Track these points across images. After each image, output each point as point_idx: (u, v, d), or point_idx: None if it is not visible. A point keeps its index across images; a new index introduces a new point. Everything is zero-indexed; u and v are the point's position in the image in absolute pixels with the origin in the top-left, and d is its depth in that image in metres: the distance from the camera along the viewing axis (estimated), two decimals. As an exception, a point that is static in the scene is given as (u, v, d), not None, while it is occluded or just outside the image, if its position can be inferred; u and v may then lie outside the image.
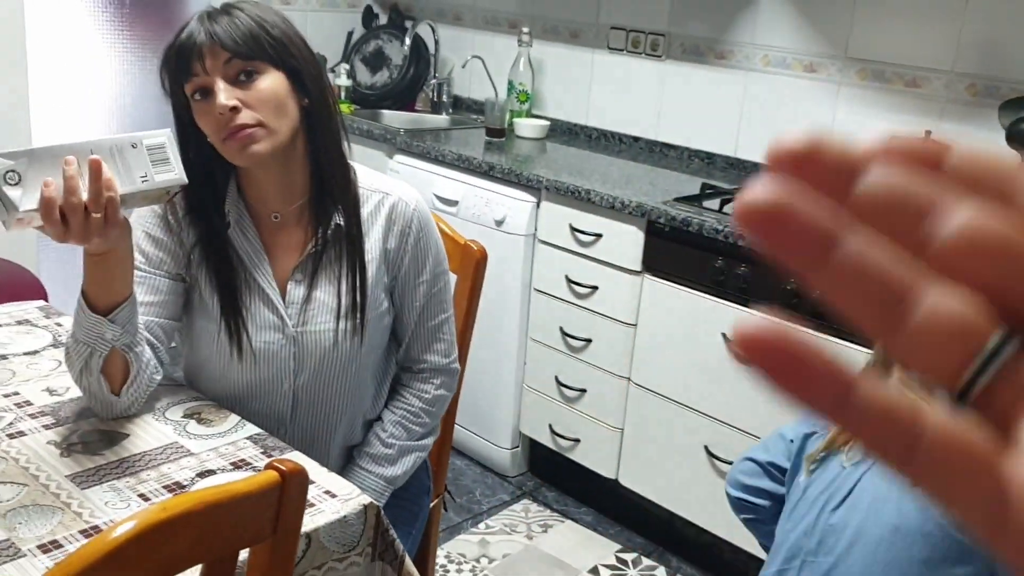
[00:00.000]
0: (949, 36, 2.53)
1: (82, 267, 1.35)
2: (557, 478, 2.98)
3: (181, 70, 1.38)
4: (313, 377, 1.54)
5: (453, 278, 1.88)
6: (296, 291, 1.52)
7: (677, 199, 2.54)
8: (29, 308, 1.89)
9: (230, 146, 1.40)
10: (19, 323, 1.81)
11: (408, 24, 3.71)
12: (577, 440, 2.79)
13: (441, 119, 3.70)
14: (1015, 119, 2.33)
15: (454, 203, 2.94)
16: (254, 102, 1.39)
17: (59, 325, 1.81)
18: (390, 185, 1.57)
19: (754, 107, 2.96)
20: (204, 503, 0.92)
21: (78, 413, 1.48)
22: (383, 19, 4.01)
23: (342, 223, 1.49)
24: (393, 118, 3.67)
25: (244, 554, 1.06)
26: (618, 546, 2.67)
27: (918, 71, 2.60)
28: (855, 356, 2.16)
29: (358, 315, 1.51)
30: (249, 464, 1.37)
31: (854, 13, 2.69)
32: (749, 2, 2.91)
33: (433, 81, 3.77)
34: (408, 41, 3.59)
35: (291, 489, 1.01)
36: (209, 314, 1.51)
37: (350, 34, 3.94)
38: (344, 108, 3.59)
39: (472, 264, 1.85)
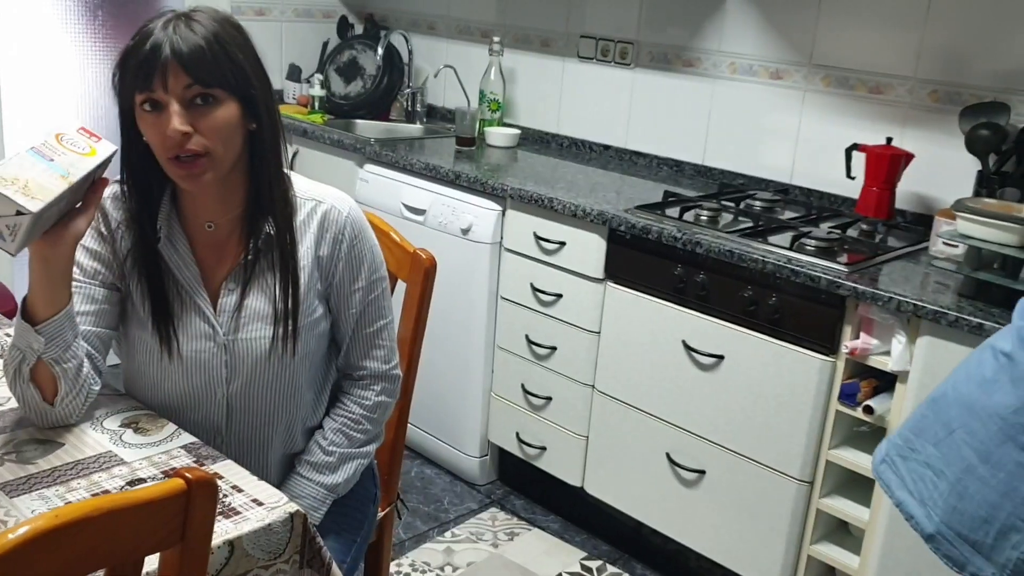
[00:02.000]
0: (911, 43, 2.53)
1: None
2: (526, 486, 2.97)
3: (139, 81, 1.38)
4: (246, 385, 1.54)
5: (402, 286, 1.89)
6: (228, 299, 1.52)
7: (639, 207, 2.54)
8: (-21, 318, 1.89)
9: (176, 171, 1.41)
10: (-31, 334, 1.82)
11: (382, 34, 3.72)
12: (543, 448, 2.79)
13: (414, 128, 3.70)
14: (974, 124, 2.33)
15: (421, 212, 2.95)
16: (206, 130, 1.39)
17: (8, 336, 1.81)
18: (323, 192, 1.58)
19: (721, 114, 2.96)
20: (100, 510, 0.92)
21: (16, 422, 1.48)
22: (358, 29, 4.02)
23: (273, 232, 1.50)
24: (367, 128, 3.68)
25: (156, 560, 1.06)
26: (584, 553, 2.67)
27: (881, 78, 2.61)
28: (811, 363, 2.17)
29: (290, 322, 1.51)
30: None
31: (818, 20, 2.70)
32: (716, 10, 2.92)
33: (407, 91, 3.77)
34: (381, 51, 3.60)
35: (198, 496, 1.00)
36: (142, 323, 1.51)
37: (325, 44, 3.95)
38: (317, 119, 3.60)
39: (421, 272, 1.85)
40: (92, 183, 1.38)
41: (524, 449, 2.84)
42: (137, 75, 1.37)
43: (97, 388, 1.50)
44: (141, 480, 1.34)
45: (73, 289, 1.43)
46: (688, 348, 2.37)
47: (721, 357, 2.32)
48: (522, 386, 2.81)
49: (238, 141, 1.44)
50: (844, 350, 2.12)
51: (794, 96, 2.79)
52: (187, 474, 1.00)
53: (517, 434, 2.85)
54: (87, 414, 1.50)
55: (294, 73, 3.87)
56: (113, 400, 1.57)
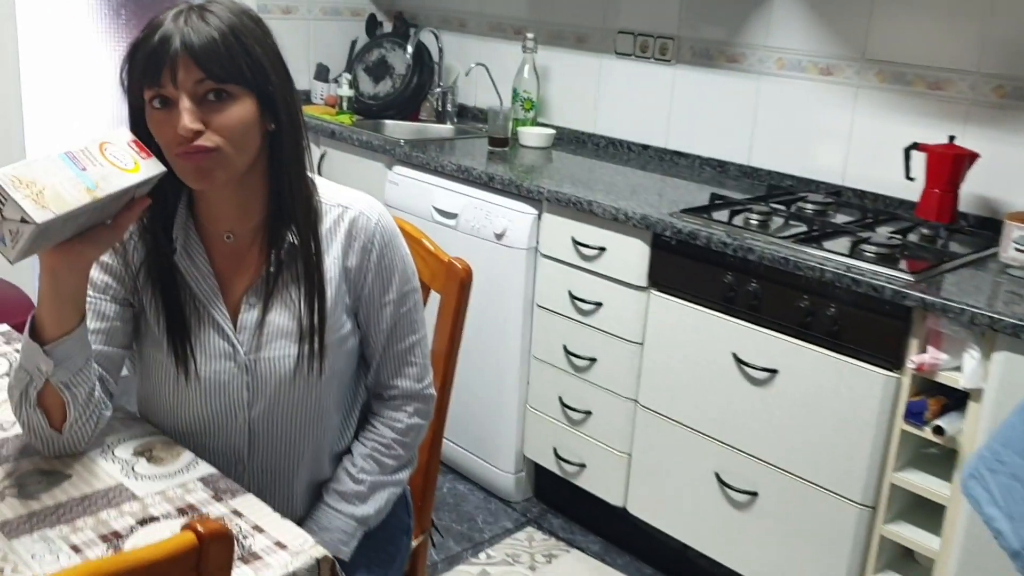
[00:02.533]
0: (974, 34, 2.37)
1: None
2: (564, 504, 2.84)
3: (147, 76, 1.26)
4: (269, 408, 1.42)
5: (436, 298, 1.76)
6: (249, 316, 1.39)
7: (684, 210, 2.40)
8: (-13, 333, 1.78)
9: (183, 165, 1.29)
10: (-24, 350, 1.70)
11: (412, 32, 3.59)
12: (583, 465, 2.65)
13: (445, 129, 3.58)
14: (1046, 122, 2.18)
15: (453, 215, 2.82)
16: (219, 128, 1.27)
17: (19, 352, 1.70)
18: (351, 198, 1.45)
19: (768, 112, 2.81)
20: (104, 574, 0.80)
21: (20, 451, 1.37)
22: (387, 27, 3.90)
23: (296, 241, 1.37)
24: (395, 128, 3.56)
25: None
26: (626, 577, 2.53)
27: (941, 72, 2.45)
28: (874, 379, 2.02)
29: (317, 339, 1.39)
30: (196, 510, 1.24)
31: (872, 12, 2.55)
32: (762, 3, 2.77)
33: (437, 90, 3.65)
34: (411, 49, 3.48)
35: (212, 551, 0.88)
36: (156, 341, 1.39)
37: (353, 43, 3.83)
38: (345, 119, 3.48)
39: (456, 283, 1.72)
40: (129, 202, 1.27)
41: (562, 466, 2.71)
42: (145, 69, 1.26)
43: (108, 413, 1.38)
44: (153, 519, 1.22)
45: None
46: (739, 361, 2.23)
47: (775, 371, 2.17)
48: (560, 399, 2.67)
49: (254, 141, 1.32)
50: (910, 365, 1.97)
51: (846, 93, 2.64)
52: (199, 527, 0.87)
53: (555, 450, 2.72)
54: (97, 440, 1.38)
55: (322, 73, 3.75)
56: (126, 424, 1.45)
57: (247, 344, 1.39)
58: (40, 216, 1.12)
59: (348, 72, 3.71)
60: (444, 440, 1.82)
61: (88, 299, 1.36)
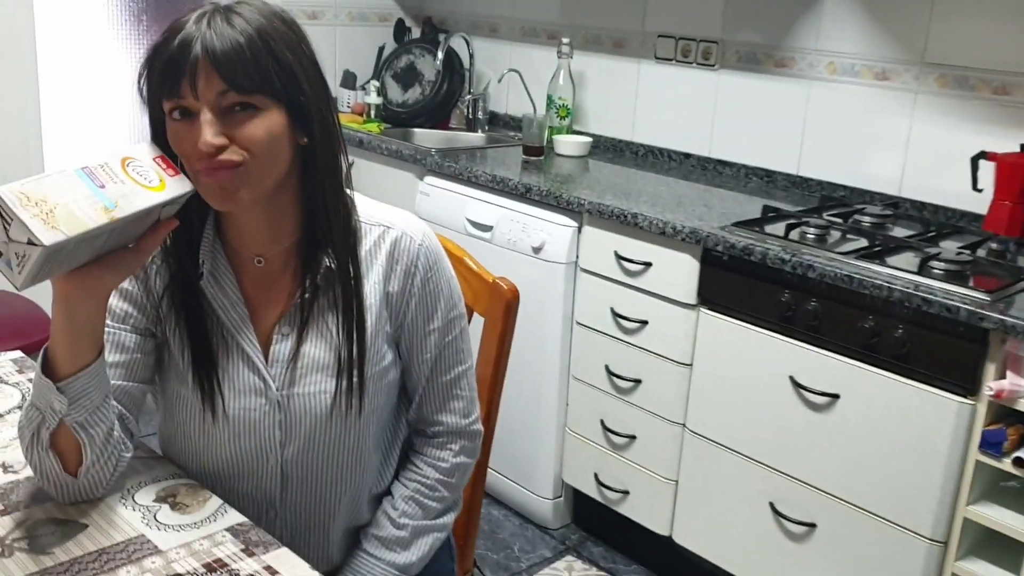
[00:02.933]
0: (1043, 36, 2.23)
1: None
2: (604, 532, 2.70)
3: (165, 85, 1.14)
4: (304, 449, 1.29)
5: (480, 321, 1.63)
6: (282, 347, 1.27)
7: (736, 223, 2.26)
8: (2, 360, 1.67)
9: (206, 183, 1.16)
10: (-12, 378, 1.59)
11: (441, 38, 3.47)
12: (626, 492, 2.52)
13: (476, 137, 3.45)
14: None
15: (488, 228, 2.70)
16: (244, 142, 1.14)
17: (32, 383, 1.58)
18: (393, 217, 1.33)
19: (819, 120, 2.67)
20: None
21: (32, 496, 1.25)
22: (416, 33, 3.78)
23: (333, 265, 1.25)
24: (425, 137, 3.44)
25: None
26: (673, 611, 2.39)
27: (1007, 76, 2.30)
28: (946, 406, 1.88)
29: (356, 373, 1.26)
30: (226, 566, 1.12)
31: (932, 13, 2.41)
32: (812, 4, 2.64)
33: (468, 97, 3.53)
34: (441, 55, 3.36)
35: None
36: (180, 376, 1.27)
37: (381, 49, 3.72)
38: (374, 127, 3.36)
39: (502, 305, 1.60)
40: (154, 224, 1.15)
41: (604, 492, 2.57)
42: (164, 78, 1.13)
43: (129, 455, 1.26)
44: (178, 576, 1.10)
45: None
46: (797, 385, 2.09)
47: (836, 396, 2.03)
48: (601, 422, 2.54)
49: (284, 156, 1.19)
50: (987, 392, 1.82)
51: (903, 99, 2.49)
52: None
53: (595, 475, 2.58)
54: (116, 484, 1.26)
55: (349, 80, 3.64)
56: (148, 465, 1.33)
57: (280, 379, 1.27)
58: (49, 238, 1.00)
59: (376, 79, 3.59)
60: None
61: (106, 329, 1.24)
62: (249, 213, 1.23)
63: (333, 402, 1.27)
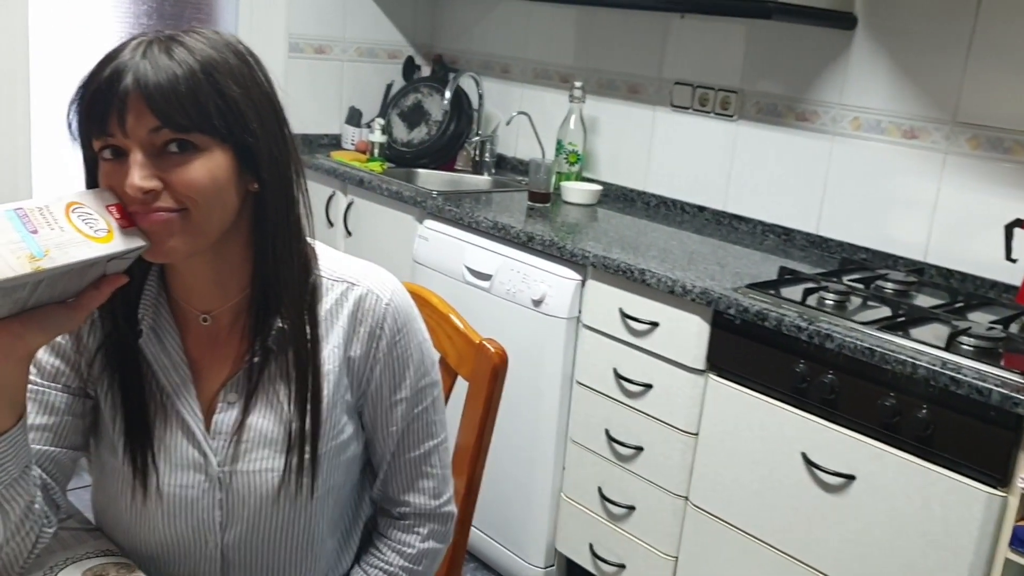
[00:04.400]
0: (1084, 99, 2.09)
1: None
2: (598, 606, 2.53)
3: (93, 121, 1.00)
4: (248, 533, 1.14)
5: (463, 386, 1.49)
6: (225, 417, 1.12)
7: (750, 285, 2.11)
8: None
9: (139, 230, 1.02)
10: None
11: (451, 77, 3.36)
12: (622, 565, 2.35)
13: (482, 180, 3.33)
14: None
15: (487, 277, 2.55)
16: (180, 187, 1.00)
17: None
18: (358, 272, 1.18)
19: (841, 177, 2.53)
20: None
21: (-61, 571, 1.10)
22: (425, 71, 3.68)
23: (286, 326, 1.10)
24: (429, 178, 3.31)
25: None
26: None
27: (1044, 140, 2.16)
28: (973, 496, 1.72)
29: (308, 449, 1.11)
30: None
31: (966, 70, 2.27)
32: (837, 56, 2.51)
33: (475, 138, 3.40)
34: (449, 94, 3.24)
35: None
36: (111, 445, 1.13)
37: (389, 87, 3.61)
38: (376, 167, 3.24)
39: (489, 370, 1.45)
40: (99, 279, 1.01)
41: (599, 564, 2.40)
42: (91, 113, 0.99)
43: (51, 530, 1.11)
44: None
45: (27, 394, 1.05)
46: (809, 463, 1.93)
47: (851, 477, 1.87)
48: (599, 490, 2.38)
49: (229, 203, 1.04)
50: (1020, 484, 1.66)
51: (932, 159, 2.35)
52: None
53: (591, 546, 2.42)
54: (37, 561, 1.12)
55: (354, 117, 3.53)
56: (78, 539, 1.19)
57: (222, 453, 1.12)
58: None
59: (381, 117, 3.48)
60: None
61: (33, 387, 1.10)
62: (193, 265, 1.09)
63: (281, 482, 1.12)
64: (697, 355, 2.13)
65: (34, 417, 1.11)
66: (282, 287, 1.09)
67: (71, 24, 2.99)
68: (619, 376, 2.30)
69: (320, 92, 3.53)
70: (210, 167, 1.01)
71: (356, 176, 3.06)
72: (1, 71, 2.77)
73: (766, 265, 2.36)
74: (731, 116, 2.76)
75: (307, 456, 1.11)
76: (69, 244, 0.95)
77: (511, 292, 2.49)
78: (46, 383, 1.12)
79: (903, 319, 1.98)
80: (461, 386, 1.49)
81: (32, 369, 1.10)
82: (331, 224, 3.17)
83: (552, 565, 2.56)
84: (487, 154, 3.39)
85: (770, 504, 2.01)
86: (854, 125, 2.50)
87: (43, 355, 1.12)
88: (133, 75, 0.97)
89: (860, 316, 1.99)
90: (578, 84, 3.02)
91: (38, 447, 1.11)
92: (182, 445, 1.12)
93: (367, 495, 1.28)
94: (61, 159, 3.02)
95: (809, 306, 2.01)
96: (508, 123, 3.33)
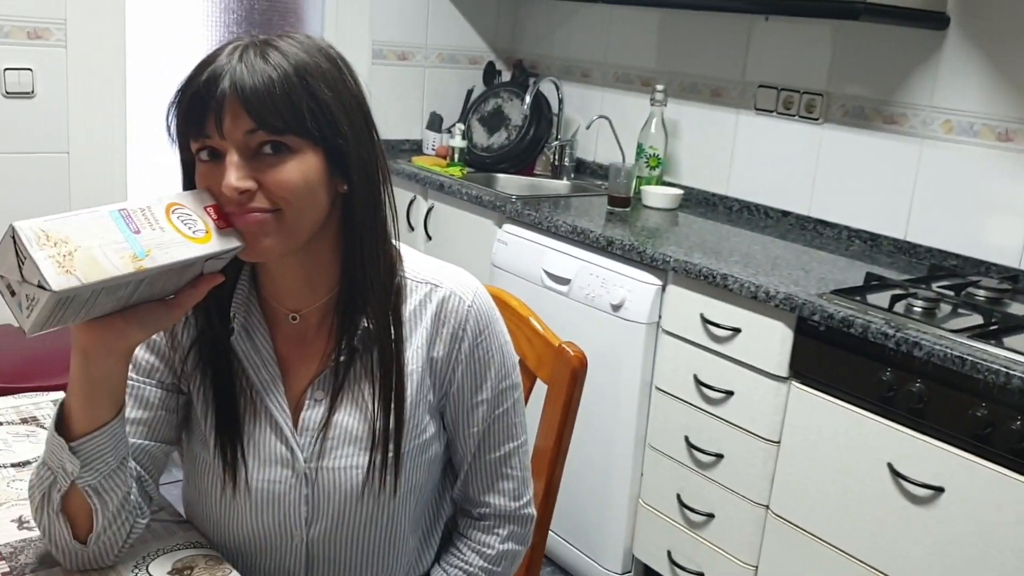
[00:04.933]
0: None
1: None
2: (676, 613, 2.51)
3: (191, 123, 1.04)
4: (333, 528, 1.16)
5: (542, 389, 1.49)
6: (313, 414, 1.15)
7: (835, 291, 2.08)
8: (43, 402, 1.59)
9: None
10: (24, 421, 1.51)
11: (531, 81, 3.37)
12: (701, 574, 2.32)
13: (561, 184, 3.33)
14: None
15: (565, 281, 2.55)
16: (274, 187, 1.03)
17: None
18: (442, 274, 1.20)
19: (931, 181, 2.47)
20: None
21: (40, 559, 1.14)
22: (506, 76, 3.69)
23: (371, 326, 1.12)
24: (508, 183, 3.33)
25: None
26: None
27: None
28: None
29: (391, 447, 1.13)
30: (231, 660, 0.99)
31: (1063, 71, 2.20)
32: (927, 57, 2.45)
33: (554, 143, 3.41)
34: (529, 99, 3.25)
35: None
36: (203, 439, 1.16)
37: (469, 92, 3.64)
38: (456, 171, 3.27)
39: (568, 373, 1.45)
40: (196, 278, 1.04)
41: (677, 572, 2.38)
42: (189, 116, 1.03)
43: (145, 521, 1.15)
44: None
45: None
46: (896, 473, 1.89)
47: (940, 489, 1.82)
48: (678, 497, 2.36)
49: (320, 204, 1.07)
50: (1120, 499, 1.60)
51: (1027, 162, 2.28)
52: None
53: (669, 553, 2.40)
54: (130, 551, 1.15)
55: (435, 122, 3.56)
56: (169, 531, 1.22)
57: (308, 449, 1.14)
58: (59, 283, 0.90)
59: (462, 122, 3.51)
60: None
61: (129, 383, 1.14)
62: (284, 266, 1.11)
63: (365, 479, 1.13)
64: (780, 362, 2.09)
65: (129, 412, 1.14)
66: (369, 287, 1.11)
67: (164, 32, 3.08)
68: (699, 382, 2.27)
69: (402, 98, 3.57)
70: (302, 168, 1.03)
71: (436, 181, 3.08)
72: (100, 79, 2.86)
73: (852, 271, 2.32)
74: (816, 119, 2.71)
75: (390, 454, 1.13)
76: (169, 244, 0.98)
77: (590, 297, 2.49)
78: (142, 379, 1.16)
79: (996, 327, 1.92)
80: (540, 389, 1.50)
81: (129, 365, 1.14)
82: (412, 228, 3.21)
83: (629, 571, 2.54)
84: (566, 158, 3.39)
85: (854, 514, 1.97)
86: (945, 128, 2.43)
87: (139, 352, 1.16)
88: (230, 78, 1.00)
89: (950, 324, 1.94)
90: (659, 87, 3.00)
91: (133, 441, 1.14)
92: (270, 441, 1.15)
93: (448, 495, 1.29)
94: (155, 162, 3.12)
95: (896, 313, 1.96)
96: (588, 127, 3.32)
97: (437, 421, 1.20)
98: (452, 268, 1.21)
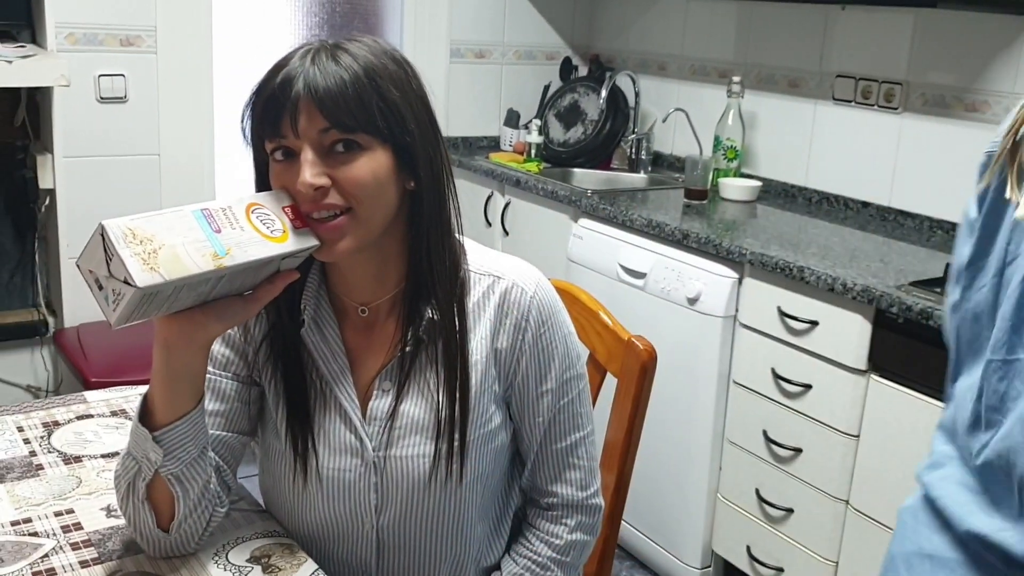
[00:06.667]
0: None
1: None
2: (755, 609, 2.49)
3: (266, 124, 1.09)
4: (401, 516, 1.20)
5: (612, 382, 1.50)
6: (381, 403, 1.18)
7: (914, 283, 2.04)
8: (132, 395, 1.66)
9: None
10: (113, 414, 1.58)
11: (607, 76, 3.37)
12: (780, 569, 2.30)
13: (637, 178, 3.32)
14: None
15: (641, 275, 2.56)
16: (347, 184, 1.07)
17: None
18: (504, 266, 1.22)
19: (1017, 169, 2.40)
20: None
21: (126, 546, 1.20)
22: (582, 71, 3.70)
23: (436, 317, 1.15)
24: (584, 177, 3.34)
25: None
26: None
27: None
28: None
29: (456, 436, 1.16)
30: (306, 644, 1.03)
31: None
32: (1010, 44, 2.38)
33: (631, 136, 3.40)
34: (605, 93, 3.25)
35: None
36: (276, 429, 1.21)
37: (546, 88, 3.65)
38: (533, 167, 3.29)
39: (637, 366, 1.46)
40: (273, 274, 1.09)
41: (756, 567, 2.37)
42: (265, 116, 1.08)
43: (223, 510, 1.20)
44: (253, 652, 1.02)
45: None
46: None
47: None
48: (756, 491, 2.34)
49: (390, 200, 1.11)
50: None
51: (1120, 147, 2.20)
52: None
53: (748, 548, 2.38)
54: (211, 539, 1.20)
55: (512, 118, 3.59)
56: (248, 519, 1.27)
57: (376, 438, 1.18)
58: (144, 279, 0.95)
59: (539, 118, 3.52)
60: (623, 522, 1.56)
61: (207, 376, 1.19)
62: (355, 261, 1.16)
63: (432, 467, 1.17)
64: (859, 355, 2.07)
65: (207, 404, 1.19)
66: (435, 280, 1.15)
67: (249, 37, 3.17)
68: (777, 376, 2.26)
69: (479, 95, 3.61)
70: (373, 165, 1.08)
71: (513, 177, 3.11)
72: (189, 84, 2.96)
73: (932, 262, 2.27)
74: (895, 108, 2.66)
75: (456, 443, 1.16)
76: (248, 243, 1.03)
77: (666, 290, 2.48)
78: (218, 371, 1.21)
79: (1084, 318, 1.86)
80: (610, 382, 1.51)
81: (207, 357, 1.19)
82: (489, 224, 3.24)
83: (709, 566, 2.53)
84: (643, 152, 3.38)
85: (936, 510, 1.93)
86: (1031, 114, 2.36)
87: (215, 346, 1.21)
88: (303, 80, 1.05)
89: (1035, 315, 1.89)
90: (736, 79, 2.98)
91: (212, 432, 1.19)
92: (340, 430, 1.19)
93: (516, 485, 1.31)
94: (238, 163, 3.21)
95: (979, 304, 1.92)
96: (664, 120, 3.31)
97: (503, 411, 1.23)
98: (515, 260, 1.24)
